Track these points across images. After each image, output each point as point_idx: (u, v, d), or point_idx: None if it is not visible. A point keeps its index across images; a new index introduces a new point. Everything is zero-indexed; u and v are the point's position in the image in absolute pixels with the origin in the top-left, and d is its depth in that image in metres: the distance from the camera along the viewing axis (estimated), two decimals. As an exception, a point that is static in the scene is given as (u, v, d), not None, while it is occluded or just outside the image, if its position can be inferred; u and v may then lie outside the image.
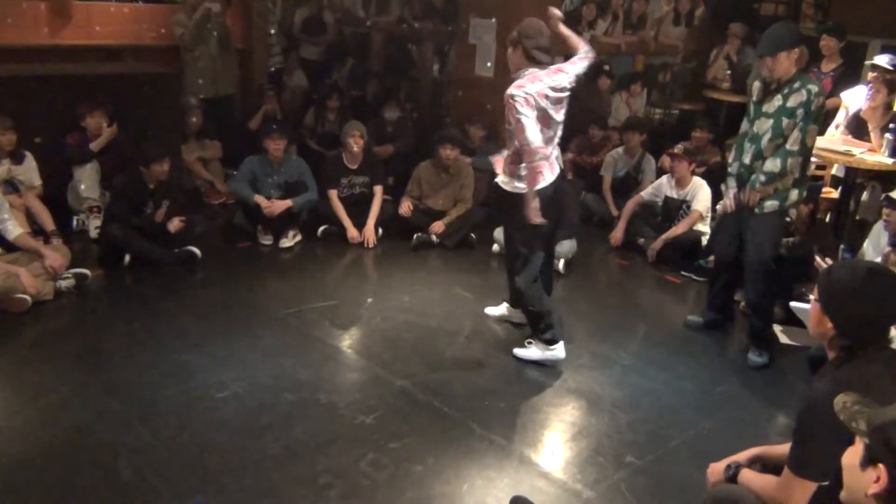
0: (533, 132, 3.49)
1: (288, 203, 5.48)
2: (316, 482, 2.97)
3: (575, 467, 3.20)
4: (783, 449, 2.30)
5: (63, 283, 4.48)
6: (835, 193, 5.70)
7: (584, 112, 6.89)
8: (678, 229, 5.67)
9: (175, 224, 5.06)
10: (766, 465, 2.38)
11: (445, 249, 5.73)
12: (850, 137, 5.31)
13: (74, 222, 5.47)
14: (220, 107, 6.86)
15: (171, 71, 6.40)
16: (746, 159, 4.05)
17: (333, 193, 5.75)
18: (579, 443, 3.39)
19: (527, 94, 3.51)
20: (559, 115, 3.73)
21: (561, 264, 5.29)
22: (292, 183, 5.64)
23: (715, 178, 5.84)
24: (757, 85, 4.08)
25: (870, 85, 5.21)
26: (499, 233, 5.32)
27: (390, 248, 5.72)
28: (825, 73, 6.08)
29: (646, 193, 6.04)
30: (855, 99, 5.42)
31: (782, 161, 3.89)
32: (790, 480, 2.08)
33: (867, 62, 5.67)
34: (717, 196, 5.50)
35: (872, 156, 4.99)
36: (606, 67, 7.72)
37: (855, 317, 2.07)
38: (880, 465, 1.41)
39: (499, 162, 3.89)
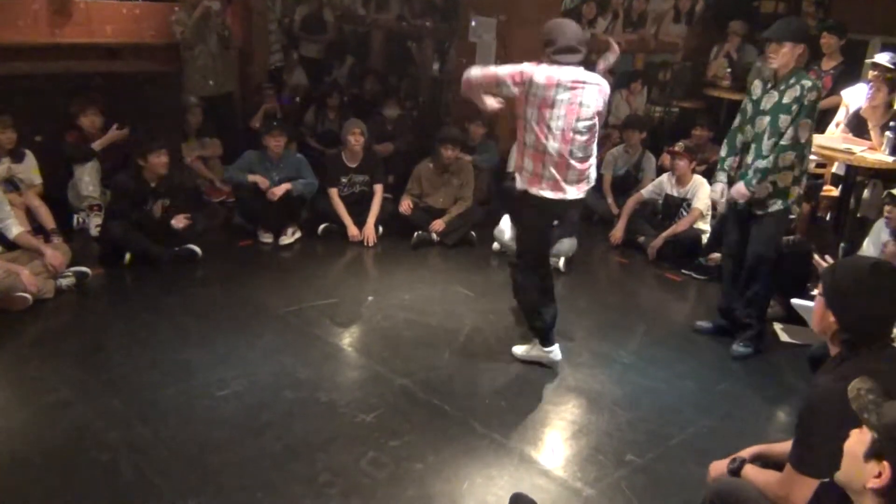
0: (484, 69, 3.51)
1: (287, 186, 5.48)
2: (316, 480, 2.97)
3: (575, 465, 3.20)
4: (783, 447, 2.30)
5: (63, 282, 4.48)
6: (835, 191, 5.70)
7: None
8: (678, 227, 5.67)
9: (180, 221, 5.06)
10: (767, 464, 2.38)
11: (445, 248, 5.73)
12: (850, 135, 5.31)
13: (75, 220, 5.47)
14: (220, 105, 6.85)
15: (170, 69, 6.40)
16: (748, 160, 4.05)
17: (334, 192, 5.75)
18: (579, 441, 3.39)
19: (527, 69, 3.45)
20: (559, 121, 3.47)
21: (561, 262, 5.29)
22: (291, 179, 5.64)
23: (715, 177, 5.84)
24: (757, 83, 4.09)
25: (870, 83, 5.21)
26: (499, 231, 5.33)
27: (390, 247, 5.72)
28: (825, 70, 6.07)
29: (646, 191, 6.03)
30: (855, 97, 5.42)
31: (774, 156, 3.89)
32: (792, 476, 2.08)
33: (868, 60, 5.67)
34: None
35: (873, 154, 4.99)
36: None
37: (859, 313, 2.07)
38: (884, 462, 1.40)
39: None
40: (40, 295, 4.28)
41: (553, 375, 3.93)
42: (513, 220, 4.05)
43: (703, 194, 5.69)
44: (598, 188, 6.64)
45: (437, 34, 8.14)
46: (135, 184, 4.99)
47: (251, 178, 5.47)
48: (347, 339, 4.27)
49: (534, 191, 3.58)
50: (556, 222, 3.82)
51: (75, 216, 5.49)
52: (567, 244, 5.30)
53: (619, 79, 8.18)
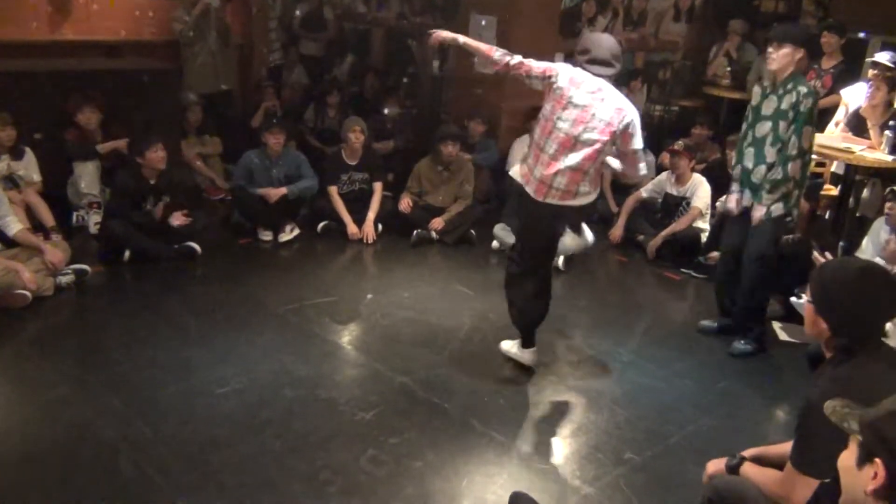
0: (519, 59, 3.49)
1: (283, 191, 5.51)
2: (316, 478, 2.97)
3: (574, 463, 3.21)
4: (781, 449, 2.30)
5: (63, 279, 4.47)
6: (834, 191, 5.70)
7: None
8: (678, 226, 5.67)
9: (179, 219, 5.06)
10: (764, 466, 2.38)
11: (445, 246, 5.73)
12: (849, 134, 5.31)
13: (74, 218, 5.46)
14: (220, 103, 6.85)
15: (170, 67, 6.40)
16: (749, 163, 4.06)
17: (333, 190, 5.75)
18: (578, 439, 3.40)
19: (557, 66, 3.51)
20: (566, 123, 3.42)
21: (561, 261, 5.29)
22: (292, 176, 5.66)
23: (715, 175, 5.84)
24: (756, 90, 4.10)
25: (870, 82, 5.21)
26: (498, 229, 5.33)
27: (390, 245, 5.72)
28: (825, 69, 6.08)
29: (645, 190, 6.03)
30: (855, 96, 5.42)
31: (783, 168, 3.93)
32: (793, 476, 2.09)
33: (867, 59, 5.67)
34: (717, 192, 5.51)
35: (872, 153, 5.00)
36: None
37: (848, 317, 2.07)
38: (877, 461, 1.41)
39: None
40: (40, 292, 4.27)
41: (552, 374, 3.93)
42: (515, 214, 4.06)
43: (703, 193, 5.70)
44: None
45: (438, 32, 8.13)
46: (134, 182, 4.99)
47: (261, 191, 5.50)
48: (347, 337, 4.27)
49: (527, 188, 3.59)
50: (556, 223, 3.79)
51: (75, 214, 5.48)
52: (569, 241, 5.27)
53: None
